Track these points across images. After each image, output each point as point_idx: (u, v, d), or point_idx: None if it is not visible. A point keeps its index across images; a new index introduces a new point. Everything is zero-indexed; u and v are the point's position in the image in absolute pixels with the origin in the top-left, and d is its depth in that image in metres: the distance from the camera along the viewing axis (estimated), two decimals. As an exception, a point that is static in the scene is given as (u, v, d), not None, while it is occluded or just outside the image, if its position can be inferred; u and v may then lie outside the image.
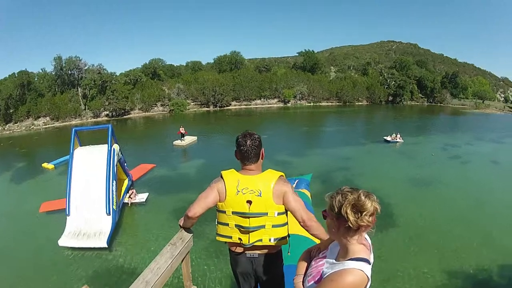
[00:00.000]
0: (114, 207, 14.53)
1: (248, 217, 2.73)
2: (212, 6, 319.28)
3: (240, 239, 2.81)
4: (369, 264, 1.70)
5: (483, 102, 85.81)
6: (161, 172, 22.62)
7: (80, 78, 50.50)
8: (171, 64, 76.94)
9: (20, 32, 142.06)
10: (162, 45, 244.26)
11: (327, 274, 1.77)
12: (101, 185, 14.55)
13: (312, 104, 70.69)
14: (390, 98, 78.63)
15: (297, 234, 8.49)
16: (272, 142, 32.94)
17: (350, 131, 44.31)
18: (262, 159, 2.96)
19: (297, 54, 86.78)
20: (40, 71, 51.59)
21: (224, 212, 2.80)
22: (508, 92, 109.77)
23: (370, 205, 1.63)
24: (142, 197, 17.54)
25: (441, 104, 79.35)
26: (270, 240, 2.81)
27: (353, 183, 20.20)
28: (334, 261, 1.85)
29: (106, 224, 13.72)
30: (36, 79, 50.27)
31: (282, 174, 2.86)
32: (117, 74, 56.57)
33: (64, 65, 49.55)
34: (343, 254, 1.79)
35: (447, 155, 29.21)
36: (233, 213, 2.76)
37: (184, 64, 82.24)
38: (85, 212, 13.94)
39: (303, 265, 2.19)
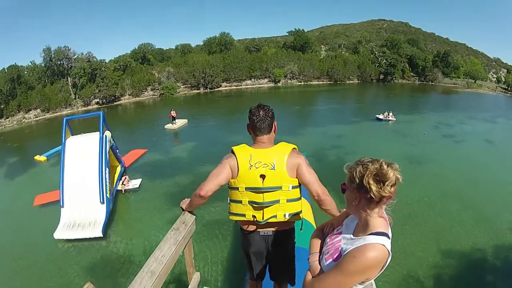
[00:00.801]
0: (108, 195, 14.40)
1: (262, 192, 2.68)
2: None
3: (254, 216, 2.76)
4: (389, 238, 1.65)
5: (475, 81, 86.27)
6: (154, 156, 22.53)
7: (69, 67, 49.94)
8: (160, 48, 76.66)
9: (8, 25, 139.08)
10: (151, 30, 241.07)
11: (347, 251, 1.69)
12: (94, 174, 14.39)
13: (302, 83, 70.78)
14: (381, 76, 79.08)
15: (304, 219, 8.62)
16: None
17: (342, 109, 44.55)
18: (274, 132, 2.92)
19: (287, 34, 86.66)
20: (30, 64, 50.83)
21: (237, 188, 2.76)
22: (501, 72, 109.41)
23: (392, 174, 1.58)
24: (135, 183, 17.39)
25: (433, 83, 79.81)
26: (284, 216, 2.77)
27: (346, 161, 20.24)
28: (352, 236, 1.80)
29: (100, 213, 13.59)
30: (25, 72, 49.50)
31: (295, 146, 2.81)
32: (107, 61, 55.97)
33: (53, 55, 48.96)
34: (363, 229, 1.74)
35: (440, 133, 29.55)
36: (246, 189, 2.72)
37: (174, 48, 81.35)
38: (79, 202, 13.77)
39: (317, 242, 2.12)
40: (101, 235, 12.62)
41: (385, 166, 1.58)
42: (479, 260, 11.73)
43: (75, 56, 50.94)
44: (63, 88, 48.50)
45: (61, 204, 13.68)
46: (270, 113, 2.86)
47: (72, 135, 16.33)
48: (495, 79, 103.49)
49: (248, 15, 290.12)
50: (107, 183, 14.73)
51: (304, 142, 24.78)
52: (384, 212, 1.74)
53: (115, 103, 50.51)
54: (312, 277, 1.89)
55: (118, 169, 18.43)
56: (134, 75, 55.02)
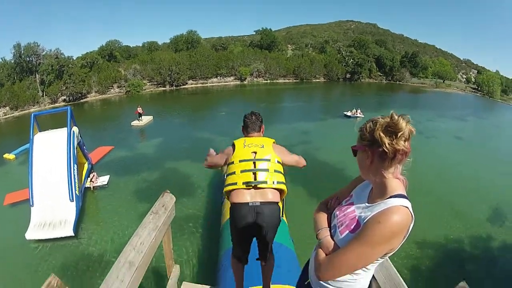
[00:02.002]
0: (77, 192, 14.07)
1: (254, 162, 3.17)
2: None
3: (245, 183, 3.09)
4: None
5: (443, 81, 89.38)
6: (120, 153, 22.46)
7: (38, 64, 49.04)
8: (127, 46, 76.11)
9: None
10: (119, 27, 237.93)
11: (368, 217, 1.56)
12: (62, 170, 14.04)
13: (268, 81, 71.66)
14: (348, 75, 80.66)
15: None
16: (230, 118, 33.61)
17: (309, 107, 45.61)
18: (262, 132, 3.64)
19: (255, 33, 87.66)
20: (0, 60, 49.75)
21: (233, 162, 3.22)
22: (471, 73, 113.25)
23: (404, 125, 1.50)
24: (103, 180, 17.27)
25: (400, 82, 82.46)
26: (273, 183, 3.14)
27: (315, 157, 21.43)
28: (367, 204, 1.69)
29: (70, 211, 13.23)
30: (-5, 69, 48.20)
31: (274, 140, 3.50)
32: (74, 58, 55.26)
33: (23, 52, 48.16)
34: (380, 193, 1.63)
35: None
36: (240, 161, 3.19)
37: (141, 45, 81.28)
38: (48, 201, 13.33)
39: (323, 216, 1.99)
40: (72, 234, 12.31)
41: (395, 116, 1.52)
42: (456, 251, 12.27)
43: (44, 53, 50.08)
44: (31, 85, 47.65)
45: (31, 203, 13.24)
46: (260, 117, 3.61)
47: (40, 131, 15.94)
48: (464, 79, 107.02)
49: (216, 14, 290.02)
50: (76, 180, 14.41)
51: (271, 138, 25.16)
52: (400, 174, 1.64)
53: (81, 100, 50.05)
54: (326, 255, 1.73)
55: (86, 166, 18.05)
56: (101, 72, 54.60)
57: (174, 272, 3.45)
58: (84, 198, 15.52)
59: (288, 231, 8.96)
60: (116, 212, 14.23)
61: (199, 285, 4.27)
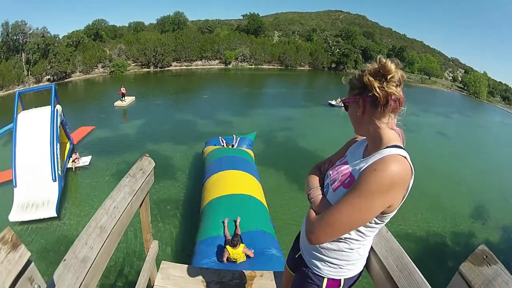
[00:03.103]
0: (60, 172, 13.74)
1: None
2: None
3: None
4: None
5: (429, 78, 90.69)
6: (102, 134, 22.15)
7: (24, 43, 48.57)
8: (113, 25, 75.23)
9: None
10: (106, 5, 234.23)
11: (363, 167, 1.44)
12: (45, 150, 13.74)
13: (253, 66, 71.99)
14: (333, 65, 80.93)
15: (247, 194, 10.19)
16: (213, 102, 34.11)
17: (293, 94, 45.77)
18: None
19: (242, 17, 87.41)
20: None
21: None
22: (458, 72, 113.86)
23: (393, 67, 1.42)
24: (85, 160, 16.93)
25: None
26: None
27: (297, 143, 21.87)
28: (361, 159, 1.58)
29: (53, 191, 12.90)
30: (-19, 47, 47.43)
31: None
32: (61, 37, 54.85)
33: (10, 30, 47.67)
34: (374, 146, 1.53)
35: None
36: None
37: (127, 25, 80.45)
38: (31, 181, 13.00)
39: (315, 178, 1.88)
40: (55, 215, 12.04)
41: (383, 59, 1.45)
42: (438, 245, 12.35)
43: (31, 31, 49.58)
44: (16, 65, 47.21)
45: (14, 184, 12.86)
46: None
47: (24, 110, 15.68)
48: (451, 77, 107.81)
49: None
50: (59, 160, 14.15)
51: (253, 123, 25.75)
52: (395, 125, 1.56)
53: (65, 80, 49.72)
54: (317, 214, 1.60)
55: (68, 146, 17.64)
56: (86, 52, 54.31)
57: (153, 248, 3.20)
58: (66, 179, 15.16)
59: (269, 216, 9.58)
60: (98, 193, 13.90)
61: (179, 264, 4.00)
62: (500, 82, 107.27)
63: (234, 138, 16.29)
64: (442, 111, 44.37)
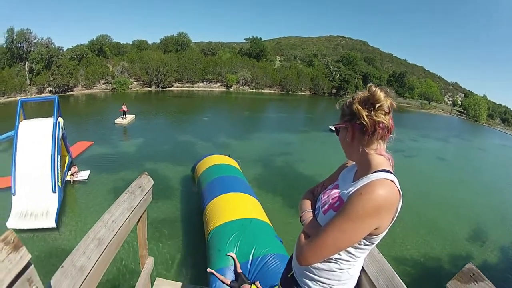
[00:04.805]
0: (60, 184, 13.74)
1: None
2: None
3: None
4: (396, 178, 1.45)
5: (429, 103, 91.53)
6: (101, 150, 22.10)
7: (28, 51, 48.84)
8: (117, 42, 76.26)
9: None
10: (111, 22, 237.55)
11: (351, 192, 1.49)
12: (46, 160, 13.69)
13: (254, 90, 72.28)
14: (334, 90, 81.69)
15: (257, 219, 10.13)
16: (213, 124, 34.05)
17: (293, 119, 45.66)
18: None
19: (245, 41, 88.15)
20: None
21: None
22: (457, 96, 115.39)
23: (383, 96, 1.46)
24: (84, 174, 16.97)
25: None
26: None
27: (295, 168, 21.64)
28: (351, 183, 1.61)
29: (52, 202, 12.92)
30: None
31: None
32: (65, 49, 55.48)
33: (15, 37, 47.96)
34: (363, 170, 1.57)
35: (391, 148, 31.19)
36: None
37: (130, 43, 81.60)
38: (31, 190, 12.98)
39: (308, 201, 1.94)
40: (54, 225, 12.10)
41: (373, 88, 1.49)
42: (435, 268, 12.32)
43: (35, 40, 49.92)
44: (19, 73, 47.39)
45: (13, 192, 12.81)
46: None
47: (25, 119, 15.51)
48: (451, 102, 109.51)
49: (208, 17, 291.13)
50: (59, 172, 14.12)
51: (252, 147, 25.93)
52: (384, 151, 1.59)
53: (67, 93, 49.82)
54: (307, 236, 1.68)
55: (67, 159, 17.67)
56: (89, 66, 54.54)
57: (148, 264, 3.24)
58: (64, 192, 15.06)
59: (275, 233, 9.52)
60: (96, 208, 13.92)
61: (173, 281, 4.11)
62: (499, 104, 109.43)
63: None
64: (442, 136, 44.66)
